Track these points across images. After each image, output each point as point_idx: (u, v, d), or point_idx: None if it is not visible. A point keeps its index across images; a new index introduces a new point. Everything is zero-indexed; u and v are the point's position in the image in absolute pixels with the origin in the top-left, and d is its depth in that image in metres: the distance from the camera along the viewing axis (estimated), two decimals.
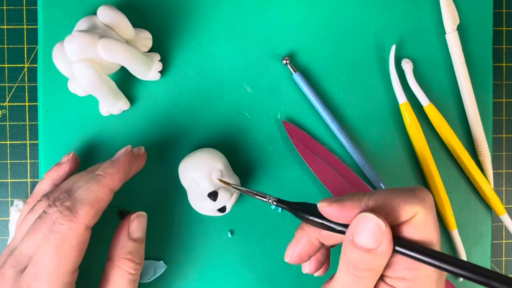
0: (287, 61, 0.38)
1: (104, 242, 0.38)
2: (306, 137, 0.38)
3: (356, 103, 0.39)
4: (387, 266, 0.25)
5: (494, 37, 0.41)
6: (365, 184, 0.39)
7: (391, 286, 0.25)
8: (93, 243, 0.38)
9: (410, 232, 0.24)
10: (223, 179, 0.34)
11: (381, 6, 0.39)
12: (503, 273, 0.42)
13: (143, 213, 0.33)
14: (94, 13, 0.35)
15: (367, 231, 0.23)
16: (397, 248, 0.24)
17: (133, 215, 0.33)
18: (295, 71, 0.38)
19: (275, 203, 0.28)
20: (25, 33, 0.39)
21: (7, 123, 0.39)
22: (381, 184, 0.38)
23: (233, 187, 0.32)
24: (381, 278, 0.25)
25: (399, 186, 0.37)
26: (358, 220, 0.24)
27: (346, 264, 0.24)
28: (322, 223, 0.26)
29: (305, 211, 0.26)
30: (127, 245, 0.32)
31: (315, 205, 0.26)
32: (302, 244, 0.28)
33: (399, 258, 0.24)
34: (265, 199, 0.28)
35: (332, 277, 0.26)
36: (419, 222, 0.24)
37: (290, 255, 0.29)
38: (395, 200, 0.24)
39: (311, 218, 0.26)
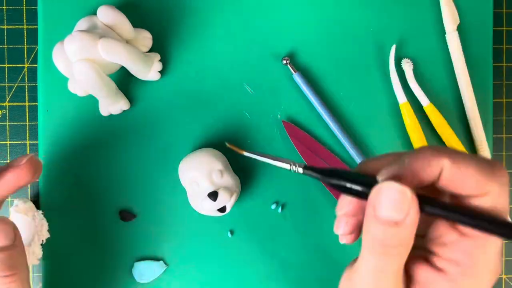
0: (287, 61, 0.38)
1: (103, 243, 0.38)
2: (306, 137, 0.38)
3: (356, 103, 0.39)
4: (440, 244, 0.22)
5: (494, 37, 0.41)
6: None
7: (440, 268, 0.22)
8: (93, 243, 0.38)
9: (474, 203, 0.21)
10: (233, 146, 0.27)
11: (381, 6, 0.39)
12: (503, 273, 0.42)
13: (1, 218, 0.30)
14: (94, 13, 0.35)
15: (389, 202, 0.20)
16: (428, 209, 0.20)
17: None
18: (295, 71, 0.38)
19: (300, 170, 0.23)
20: (25, 33, 0.39)
21: (7, 123, 0.39)
22: None
23: (246, 153, 0.25)
24: (428, 257, 0.23)
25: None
26: (376, 191, 0.20)
27: (372, 243, 0.21)
28: (355, 190, 0.22)
29: (338, 177, 0.22)
30: None
31: (348, 171, 0.22)
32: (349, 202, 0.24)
33: (456, 238, 0.21)
34: (288, 166, 0.23)
35: (355, 260, 0.23)
36: (487, 201, 0.21)
37: (342, 225, 0.24)
38: (468, 170, 0.20)
39: (342, 183, 0.22)
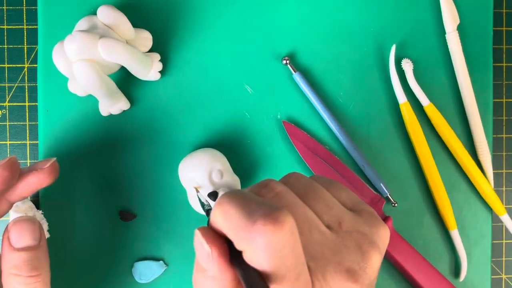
0: (287, 61, 0.38)
1: (104, 244, 0.38)
2: (306, 137, 0.38)
3: (356, 103, 0.39)
4: None
5: (494, 37, 0.41)
6: (365, 184, 0.39)
7: None
8: (93, 243, 0.38)
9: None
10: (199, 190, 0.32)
11: (381, 6, 0.39)
12: (503, 273, 0.42)
13: (25, 217, 0.29)
14: (94, 13, 0.35)
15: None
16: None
17: (10, 223, 0.29)
18: (295, 71, 0.38)
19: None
20: (25, 33, 0.39)
21: (7, 123, 0.39)
22: (381, 184, 0.38)
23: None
24: None
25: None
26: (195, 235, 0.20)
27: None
28: None
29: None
30: (11, 257, 0.28)
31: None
32: None
33: None
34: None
35: None
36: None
37: None
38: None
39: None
